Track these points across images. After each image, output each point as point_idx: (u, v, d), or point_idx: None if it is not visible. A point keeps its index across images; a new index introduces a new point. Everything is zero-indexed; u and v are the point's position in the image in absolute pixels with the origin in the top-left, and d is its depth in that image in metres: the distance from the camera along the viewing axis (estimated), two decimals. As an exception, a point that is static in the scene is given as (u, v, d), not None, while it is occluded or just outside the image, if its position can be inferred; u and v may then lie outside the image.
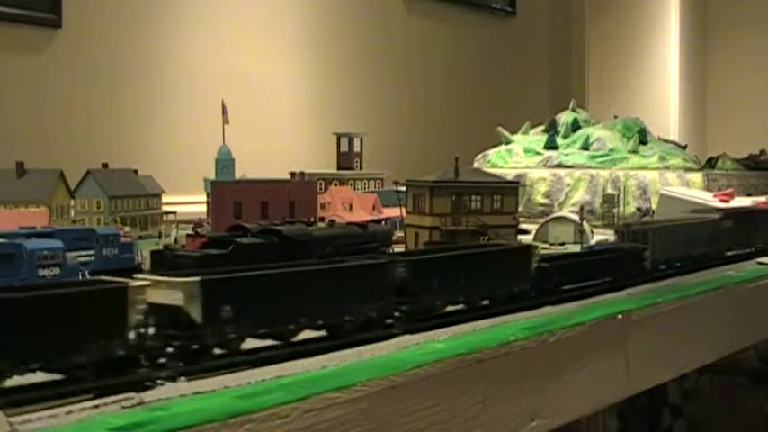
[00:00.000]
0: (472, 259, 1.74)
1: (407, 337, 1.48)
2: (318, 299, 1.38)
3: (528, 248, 1.85)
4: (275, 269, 1.38)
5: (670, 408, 3.87)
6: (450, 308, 1.65)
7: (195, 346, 1.19)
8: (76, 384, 1.09)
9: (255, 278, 1.32)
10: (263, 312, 1.29)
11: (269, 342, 1.33)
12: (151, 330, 1.18)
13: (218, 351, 1.24)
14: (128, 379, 1.12)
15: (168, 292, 1.19)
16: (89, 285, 1.22)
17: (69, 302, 1.12)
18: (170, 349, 1.17)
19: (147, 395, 1.09)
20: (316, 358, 1.31)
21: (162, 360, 1.17)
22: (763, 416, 3.92)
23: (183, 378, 1.16)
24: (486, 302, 1.72)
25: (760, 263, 2.65)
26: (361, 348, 1.38)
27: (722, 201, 3.30)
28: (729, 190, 3.60)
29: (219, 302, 1.22)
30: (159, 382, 1.14)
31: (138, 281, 1.19)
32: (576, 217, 2.91)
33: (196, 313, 1.19)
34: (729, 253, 2.62)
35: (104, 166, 3.10)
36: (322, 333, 1.41)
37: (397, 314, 1.50)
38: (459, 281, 1.63)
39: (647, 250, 2.16)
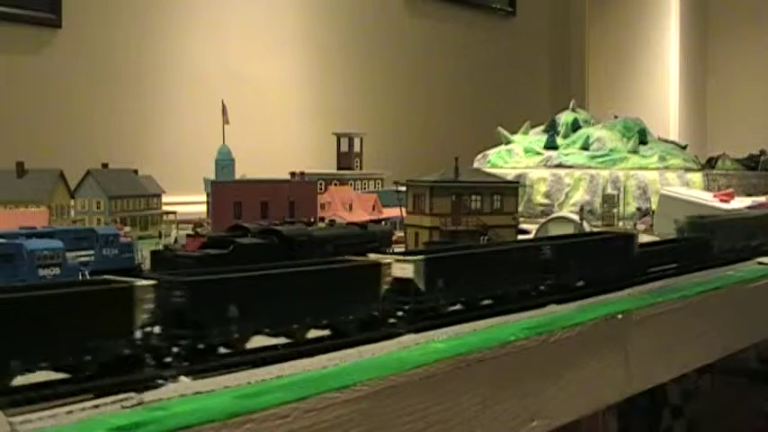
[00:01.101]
0: (596, 244, 2.07)
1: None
2: (497, 274, 1.67)
3: (632, 236, 2.15)
4: (470, 250, 1.73)
5: (670, 408, 3.87)
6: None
7: (420, 309, 1.48)
8: (343, 339, 1.36)
9: (459, 257, 1.67)
10: (462, 284, 1.58)
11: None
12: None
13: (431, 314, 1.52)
14: (376, 335, 1.40)
15: (401, 267, 1.47)
16: (349, 263, 1.47)
17: (341, 275, 1.40)
18: (400, 312, 1.46)
19: (147, 395, 1.09)
20: (317, 358, 1.31)
21: (392, 320, 1.45)
22: (763, 416, 3.92)
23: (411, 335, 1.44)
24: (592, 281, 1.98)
25: (760, 263, 2.64)
26: (362, 348, 1.38)
27: (722, 201, 3.30)
28: (729, 190, 3.60)
29: (437, 276, 1.50)
30: (397, 333, 1.42)
31: (382, 258, 1.47)
32: (576, 217, 2.91)
33: (421, 284, 1.47)
34: None
35: (104, 166, 3.10)
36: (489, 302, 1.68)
37: (542, 287, 1.79)
38: (586, 261, 1.93)
39: (714, 240, 2.47)
